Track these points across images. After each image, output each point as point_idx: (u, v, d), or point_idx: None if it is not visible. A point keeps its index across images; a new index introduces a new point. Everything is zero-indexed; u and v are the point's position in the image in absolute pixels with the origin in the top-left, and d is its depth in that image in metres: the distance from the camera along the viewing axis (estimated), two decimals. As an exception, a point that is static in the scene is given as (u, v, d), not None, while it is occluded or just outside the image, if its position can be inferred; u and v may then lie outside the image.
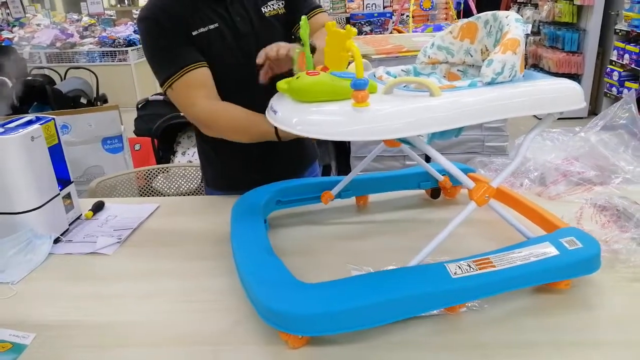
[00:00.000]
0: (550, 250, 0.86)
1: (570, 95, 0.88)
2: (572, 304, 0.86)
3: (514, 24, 0.88)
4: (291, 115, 0.82)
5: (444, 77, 1.10)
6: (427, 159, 1.41)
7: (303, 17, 0.91)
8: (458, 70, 1.08)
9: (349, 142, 2.84)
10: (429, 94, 0.80)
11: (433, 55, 1.09)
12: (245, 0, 1.25)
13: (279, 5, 1.28)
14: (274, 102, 0.91)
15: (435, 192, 1.28)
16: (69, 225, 1.19)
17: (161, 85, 1.21)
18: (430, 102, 0.78)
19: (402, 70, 1.09)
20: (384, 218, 1.23)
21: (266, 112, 0.92)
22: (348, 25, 0.80)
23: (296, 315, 0.76)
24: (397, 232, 1.14)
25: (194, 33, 1.19)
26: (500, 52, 0.84)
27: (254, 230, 1.00)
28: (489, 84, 0.84)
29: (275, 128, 1.06)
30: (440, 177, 1.23)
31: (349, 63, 0.85)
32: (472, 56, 1.03)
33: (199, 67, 1.18)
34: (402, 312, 0.78)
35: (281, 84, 0.87)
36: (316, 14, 1.34)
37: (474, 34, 1.02)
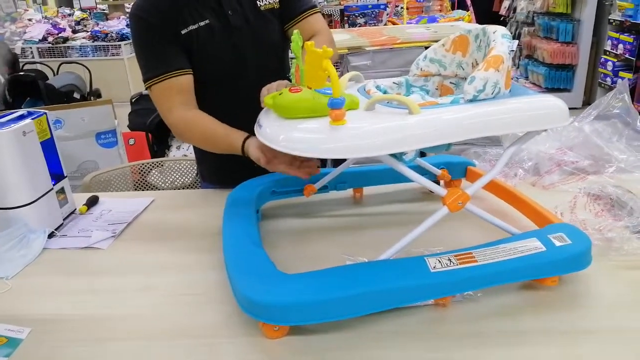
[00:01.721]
0: (537, 246, 0.85)
1: (555, 113, 0.87)
2: (566, 293, 0.87)
3: (500, 40, 0.88)
4: (275, 131, 0.84)
5: (437, 89, 1.11)
6: (422, 153, 1.41)
7: (295, 31, 0.92)
8: (450, 82, 1.09)
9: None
10: (407, 112, 0.80)
11: (425, 68, 1.09)
12: None
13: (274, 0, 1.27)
14: (261, 116, 0.94)
15: None
16: (64, 219, 1.19)
17: (143, 82, 1.21)
18: (407, 120, 0.79)
19: (394, 82, 1.09)
20: (380, 210, 1.23)
21: (255, 126, 0.94)
22: (324, 46, 0.80)
23: (270, 305, 0.76)
24: (393, 225, 1.15)
25: (183, 32, 1.18)
26: (483, 69, 0.83)
27: (244, 220, 1.01)
28: (471, 101, 0.84)
29: (242, 146, 1.07)
30: (438, 171, 1.23)
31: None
32: (463, 69, 1.04)
33: (181, 74, 1.18)
34: (378, 305, 0.79)
35: (267, 100, 0.89)
36: (310, 15, 1.31)
37: (465, 47, 1.02)
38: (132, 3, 1.21)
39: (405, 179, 1.25)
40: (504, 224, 0.94)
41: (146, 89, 1.21)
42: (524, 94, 0.89)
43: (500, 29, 0.91)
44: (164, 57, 1.17)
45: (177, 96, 1.18)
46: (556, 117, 0.87)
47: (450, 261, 0.82)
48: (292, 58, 0.94)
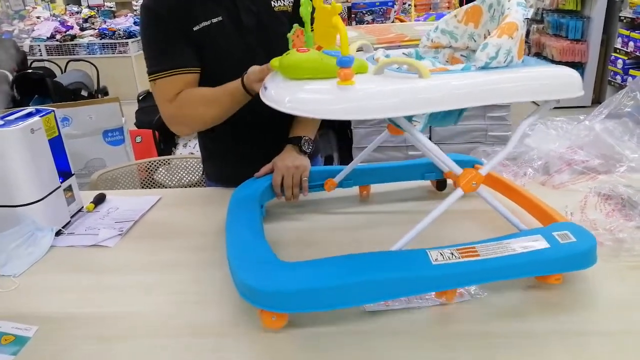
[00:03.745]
0: (541, 243, 0.83)
1: (568, 82, 0.85)
2: (576, 293, 0.86)
3: (515, 8, 0.85)
4: (281, 92, 0.81)
5: (447, 61, 1.08)
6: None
7: None
8: (461, 55, 1.06)
9: (350, 133, 2.83)
10: (417, 76, 0.78)
11: (436, 39, 1.07)
12: None
13: (288, 1, 1.26)
14: (267, 79, 0.91)
15: (441, 184, 1.27)
16: (71, 217, 1.19)
17: (148, 74, 1.20)
18: (416, 83, 0.77)
19: (403, 53, 1.07)
20: (387, 209, 1.22)
21: (260, 89, 0.91)
22: (333, 2, 0.79)
23: (268, 292, 0.76)
24: (400, 223, 1.13)
25: (195, 28, 1.17)
26: (496, 35, 0.81)
27: (248, 213, 1.01)
28: (483, 68, 0.82)
29: (242, 82, 1.08)
30: (446, 168, 1.22)
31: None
32: (475, 41, 1.02)
33: (188, 72, 1.18)
34: (377, 295, 0.78)
35: (274, 62, 0.86)
36: None
37: (478, 18, 1.00)
38: None
39: (412, 177, 1.26)
40: (512, 217, 0.93)
41: (150, 81, 1.20)
42: (536, 64, 0.87)
43: None
44: (172, 52, 1.17)
45: (175, 92, 1.18)
46: (569, 87, 0.85)
47: (453, 254, 0.81)
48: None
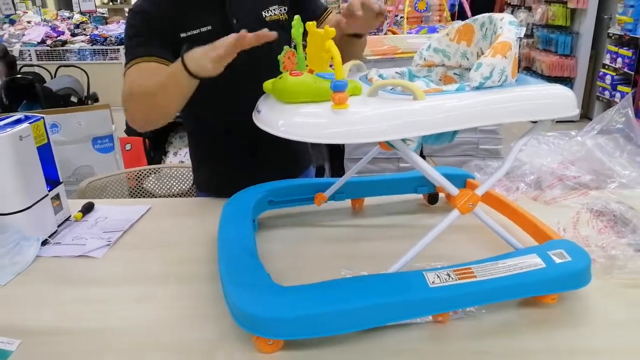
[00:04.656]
0: (536, 263, 0.83)
1: (563, 102, 0.85)
2: (569, 311, 0.85)
3: (507, 27, 0.86)
4: (274, 116, 0.81)
5: (440, 80, 1.09)
6: (423, 158, 1.38)
7: (296, 16, 0.90)
8: (454, 73, 1.07)
9: (343, 144, 2.82)
10: (412, 98, 0.78)
11: (429, 58, 1.07)
12: (245, 2, 1.22)
13: (280, 10, 1.25)
14: (259, 102, 0.90)
15: (432, 198, 1.27)
16: (58, 226, 1.17)
17: (125, 68, 1.14)
18: (411, 105, 0.77)
19: (396, 72, 1.07)
20: (380, 222, 1.21)
21: (253, 112, 0.91)
22: (327, 26, 0.79)
23: (264, 319, 0.74)
24: (393, 237, 1.13)
25: (182, 35, 1.16)
26: (490, 55, 0.81)
27: (240, 230, 0.99)
28: (477, 88, 0.82)
29: (183, 62, 0.99)
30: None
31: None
32: (468, 59, 1.02)
33: (158, 62, 1.12)
34: (375, 320, 0.77)
35: (267, 84, 0.86)
36: (328, 16, 1.32)
37: (470, 36, 1.00)
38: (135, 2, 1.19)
39: (404, 190, 1.26)
40: (508, 236, 0.93)
41: (124, 75, 1.14)
42: (531, 82, 0.87)
43: (507, 16, 0.90)
44: (151, 45, 1.13)
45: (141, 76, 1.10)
46: (564, 107, 0.85)
47: (449, 276, 0.80)
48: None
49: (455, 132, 0.94)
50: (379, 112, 0.77)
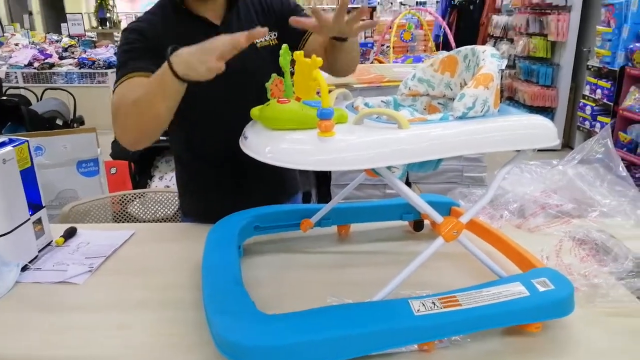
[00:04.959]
0: (520, 291, 0.84)
1: (543, 132, 0.87)
2: (552, 340, 0.86)
3: (489, 59, 0.89)
4: (261, 142, 0.82)
5: (425, 109, 1.11)
6: (409, 186, 1.39)
7: (284, 45, 0.91)
8: (439, 103, 1.09)
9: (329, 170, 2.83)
10: (397, 126, 0.80)
11: (414, 87, 1.10)
12: (237, 29, 1.23)
13: (271, 36, 1.27)
14: (247, 128, 0.92)
15: (418, 225, 1.28)
16: (39, 252, 1.14)
17: (114, 86, 1.14)
18: (396, 134, 0.78)
19: (382, 101, 1.09)
20: (366, 249, 1.21)
21: (240, 138, 0.92)
22: (314, 55, 0.80)
23: (248, 347, 0.73)
24: (378, 264, 1.13)
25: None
26: (473, 86, 0.84)
27: (225, 256, 0.98)
28: (461, 118, 0.84)
29: (170, 65, 0.97)
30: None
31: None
32: (452, 90, 1.04)
33: (146, 77, 1.10)
34: (360, 349, 0.76)
35: (254, 111, 0.87)
36: (311, 35, 1.33)
37: (454, 67, 1.03)
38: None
39: (390, 217, 1.27)
40: (492, 264, 0.93)
41: (113, 91, 1.14)
42: (512, 113, 0.90)
43: (489, 49, 0.92)
44: (133, 63, 1.13)
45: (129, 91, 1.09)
46: (545, 137, 0.87)
47: (434, 304, 0.80)
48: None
49: (439, 161, 0.96)
50: (365, 140, 0.78)
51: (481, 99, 0.83)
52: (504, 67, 0.92)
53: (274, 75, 0.90)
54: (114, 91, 1.15)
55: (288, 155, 0.78)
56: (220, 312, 0.81)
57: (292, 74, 0.91)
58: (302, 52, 0.87)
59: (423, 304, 0.80)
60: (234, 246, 1.03)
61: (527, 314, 0.83)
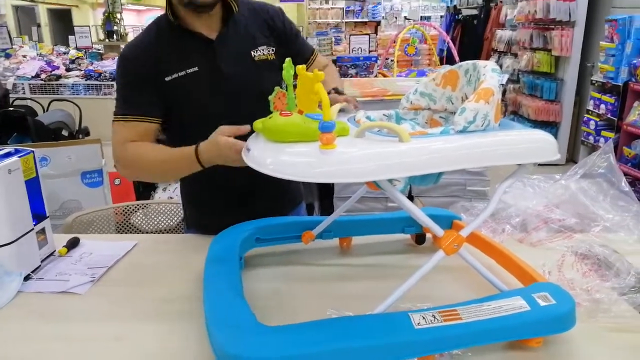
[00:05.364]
0: (521, 305, 0.83)
1: (544, 147, 0.88)
2: (553, 355, 0.85)
3: (490, 74, 0.90)
4: (264, 155, 0.83)
5: (426, 123, 1.12)
6: (411, 199, 1.39)
7: (287, 59, 0.93)
8: (440, 117, 1.10)
9: (332, 183, 2.84)
10: (398, 140, 0.80)
11: (415, 101, 1.11)
12: (234, 42, 1.25)
13: (269, 51, 1.28)
14: (249, 141, 0.93)
15: (420, 238, 1.27)
16: (42, 261, 1.15)
17: (114, 120, 1.24)
18: (397, 147, 0.79)
19: (384, 115, 1.10)
20: (368, 262, 1.21)
21: (242, 150, 0.93)
22: (315, 70, 0.82)
23: (248, 359, 0.73)
24: (380, 277, 1.13)
25: (167, 79, 1.20)
26: (474, 100, 0.84)
27: (226, 268, 0.98)
28: (461, 131, 0.84)
29: (196, 150, 1.10)
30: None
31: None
32: (453, 104, 1.05)
33: (144, 121, 1.21)
34: None
35: (257, 124, 0.88)
36: (314, 60, 1.38)
37: (455, 82, 1.04)
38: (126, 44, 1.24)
39: (392, 230, 1.27)
40: (492, 278, 0.93)
41: (113, 122, 1.23)
42: (513, 127, 0.90)
43: (490, 64, 0.93)
44: (134, 99, 1.21)
45: (131, 137, 1.21)
46: (546, 151, 0.88)
47: (435, 318, 0.80)
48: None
49: (440, 174, 0.97)
50: (366, 152, 0.79)
51: (482, 113, 0.84)
52: (504, 82, 0.93)
53: (277, 88, 0.91)
54: (113, 120, 1.22)
55: (290, 167, 0.79)
56: (221, 324, 0.81)
57: (294, 88, 0.92)
58: (304, 66, 0.88)
59: (423, 317, 0.79)
60: (235, 258, 1.03)
61: (527, 328, 0.83)
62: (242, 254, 1.12)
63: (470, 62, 1.00)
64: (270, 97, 0.91)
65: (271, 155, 0.82)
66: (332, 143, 0.76)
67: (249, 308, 0.84)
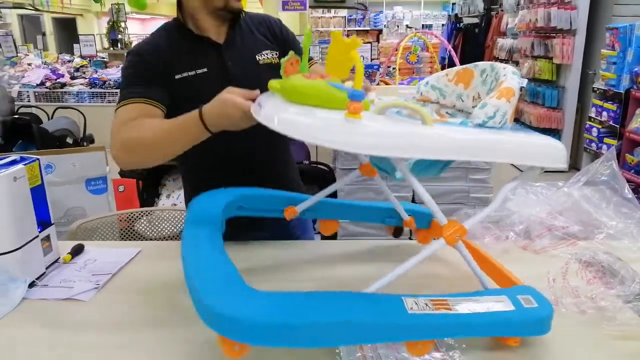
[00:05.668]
0: (507, 305, 0.84)
1: (555, 154, 0.90)
2: (560, 363, 0.85)
3: (511, 76, 0.91)
4: (279, 112, 0.80)
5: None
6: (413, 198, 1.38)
7: (308, 27, 0.92)
8: (447, 112, 1.10)
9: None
10: (420, 122, 0.80)
11: (425, 93, 1.11)
12: (240, 46, 1.29)
13: (273, 55, 1.31)
14: (261, 98, 0.90)
15: (397, 231, 1.28)
16: (46, 268, 1.15)
17: (116, 108, 1.19)
18: (422, 129, 0.79)
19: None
20: (365, 270, 1.21)
21: (252, 107, 0.91)
22: (354, 35, 0.81)
23: (235, 320, 0.69)
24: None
25: (176, 77, 1.22)
26: (495, 97, 0.86)
27: (209, 229, 0.94)
28: (480, 126, 0.86)
29: (200, 114, 1.02)
30: (406, 217, 1.23)
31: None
32: (463, 101, 1.06)
33: (151, 104, 1.17)
34: (349, 338, 0.74)
35: (273, 83, 0.87)
36: (312, 65, 1.37)
37: (469, 80, 1.05)
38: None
39: (373, 219, 1.26)
40: (483, 275, 0.93)
41: (115, 111, 1.19)
42: (524, 131, 0.92)
43: (509, 67, 0.95)
44: (143, 87, 1.18)
45: (134, 117, 1.14)
46: (556, 158, 0.90)
47: (427, 305, 0.79)
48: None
49: (444, 167, 0.97)
50: (392, 128, 0.78)
51: (502, 111, 0.85)
52: (524, 85, 0.94)
53: (291, 52, 0.91)
54: (116, 110, 1.19)
55: (311, 130, 0.75)
56: (207, 280, 0.77)
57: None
58: (340, 31, 0.87)
59: (416, 303, 0.79)
60: (218, 219, 0.99)
61: (511, 327, 0.84)
62: (224, 219, 1.06)
63: (487, 62, 1.01)
64: (282, 60, 0.90)
65: (289, 114, 0.78)
66: (359, 113, 0.74)
67: (236, 269, 0.80)
